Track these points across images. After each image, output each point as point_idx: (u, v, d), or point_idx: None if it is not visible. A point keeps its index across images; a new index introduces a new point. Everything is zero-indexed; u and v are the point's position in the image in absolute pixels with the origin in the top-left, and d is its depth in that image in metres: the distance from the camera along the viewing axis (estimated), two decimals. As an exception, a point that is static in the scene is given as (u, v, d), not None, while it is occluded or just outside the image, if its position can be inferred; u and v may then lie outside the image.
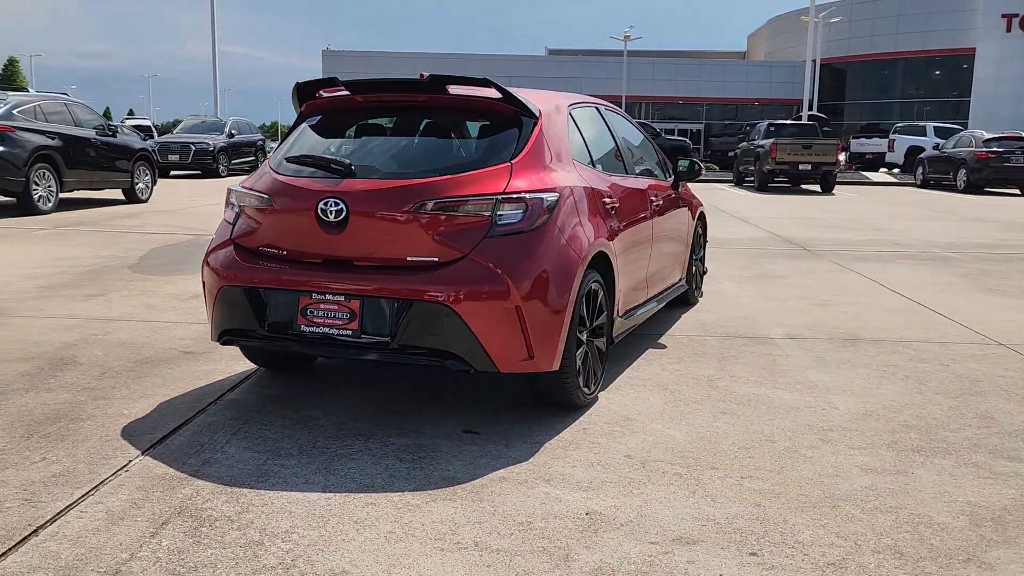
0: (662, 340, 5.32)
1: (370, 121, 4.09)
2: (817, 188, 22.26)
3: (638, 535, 2.76)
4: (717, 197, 18.51)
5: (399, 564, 2.57)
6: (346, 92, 4.02)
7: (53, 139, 12.36)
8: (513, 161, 3.72)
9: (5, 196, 12.16)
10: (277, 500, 3.00)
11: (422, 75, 3.81)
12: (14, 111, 11.95)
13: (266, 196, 3.78)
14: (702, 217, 6.52)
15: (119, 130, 14.21)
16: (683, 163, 5.76)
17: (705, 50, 75.92)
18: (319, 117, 4.15)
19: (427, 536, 2.75)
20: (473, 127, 3.97)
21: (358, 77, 4.06)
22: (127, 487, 3.10)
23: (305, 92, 4.09)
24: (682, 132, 55.40)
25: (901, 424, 3.85)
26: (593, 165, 4.39)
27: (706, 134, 49.12)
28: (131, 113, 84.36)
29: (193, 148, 22.83)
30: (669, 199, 5.55)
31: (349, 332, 3.57)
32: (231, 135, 24.30)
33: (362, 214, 3.56)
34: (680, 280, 5.96)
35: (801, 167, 21.17)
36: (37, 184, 12.01)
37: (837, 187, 22.52)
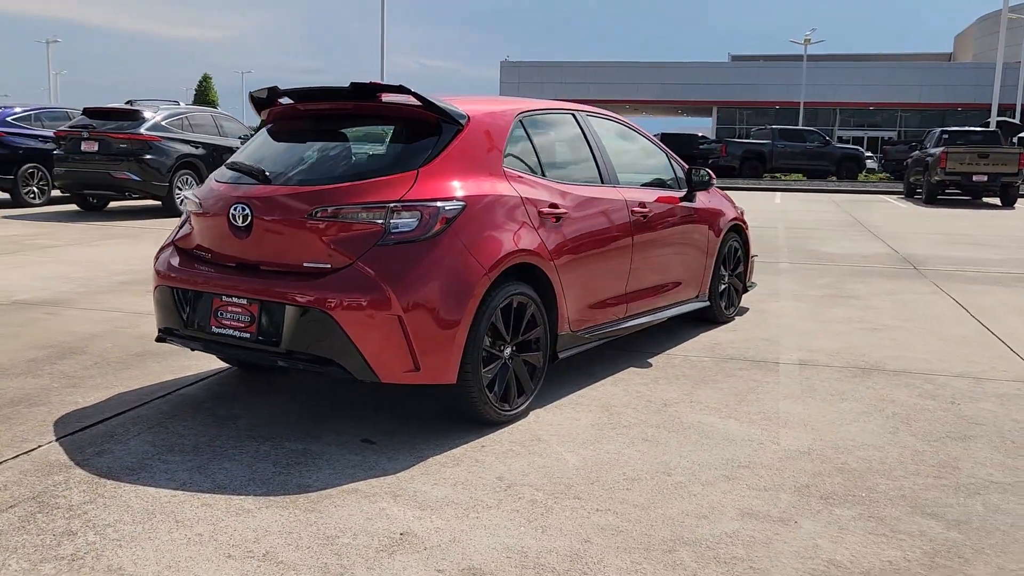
0: (654, 359, 5.03)
1: (304, 128, 4.15)
2: (997, 201, 20.23)
3: (432, 561, 2.63)
4: (873, 210, 17.26)
5: (176, 567, 2.59)
6: (290, 101, 4.10)
7: (197, 148, 13.43)
8: (421, 169, 3.65)
9: (153, 199, 13.36)
10: (127, 494, 3.11)
11: (351, 84, 3.84)
12: (163, 122, 13.10)
13: (198, 201, 3.94)
14: (737, 229, 6.11)
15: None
16: (697, 173, 5.42)
17: (904, 53, 71.02)
18: (271, 124, 4.27)
19: (228, 542, 2.75)
20: (394, 134, 3.94)
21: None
22: (14, 469, 3.31)
23: (260, 101, 4.21)
24: (872, 140, 52.15)
25: (836, 467, 3.43)
26: (542, 174, 4.22)
27: (882, 143, 45.93)
28: None
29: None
30: (676, 210, 5.25)
31: (248, 335, 3.64)
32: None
33: (264, 219, 3.63)
34: (696, 296, 5.62)
35: (975, 178, 19.30)
36: (180, 189, 13.09)
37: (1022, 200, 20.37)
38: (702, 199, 5.62)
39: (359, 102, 3.90)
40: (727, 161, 29.63)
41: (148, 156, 12.62)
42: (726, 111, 58.14)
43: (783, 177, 30.03)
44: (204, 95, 36.74)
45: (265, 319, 3.58)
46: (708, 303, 5.78)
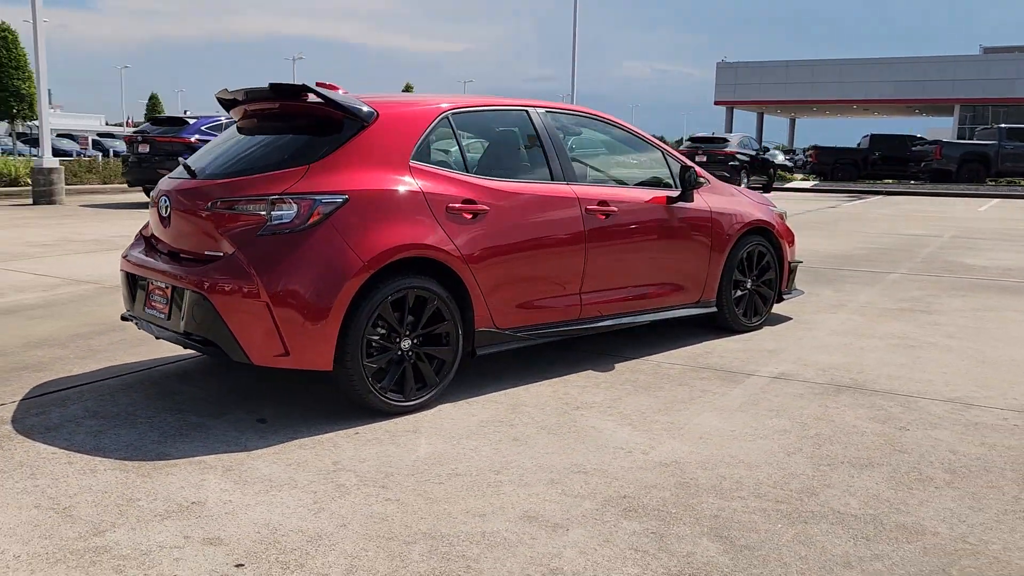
0: (623, 364, 4.88)
1: (247, 126, 4.44)
2: None
3: (189, 528, 2.81)
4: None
5: (-12, 510, 2.96)
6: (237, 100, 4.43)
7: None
8: (313, 164, 3.84)
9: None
10: (21, 448, 3.54)
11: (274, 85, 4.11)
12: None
13: (153, 194, 4.37)
14: (763, 233, 5.72)
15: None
16: (688, 172, 5.18)
17: None
18: (232, 123, 4.63)
19: (49, 495, 3.08)
20: (305, 131, 4.12)
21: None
22: (-39, 422, 3.88)
23: (225, 103, 4.58)
24: None
25: (680, 481, 3.22)
26: (465, 170, 4.26)
27: None
28: None
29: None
30: (660, 210, 5.05)
31: (163, 316, 4.00)
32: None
33: (176, 211, 3.98)
34: (697, 301, 5.35)
35: None
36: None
37: None
38: (706, 199, 5.34)
39: (283, 102, 4.15)
40: (941, 164, 27.10)
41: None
42: (972, 110, 52.93)
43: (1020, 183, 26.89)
44: None
45: (174, 303, 3.92)
46: (714, 309, 5.49)
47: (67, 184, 16.98)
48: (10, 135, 32.07)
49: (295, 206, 3.71)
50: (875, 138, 31.62)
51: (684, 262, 5.22)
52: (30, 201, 16.22)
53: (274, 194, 3.73)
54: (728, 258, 5.49)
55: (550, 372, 4.68)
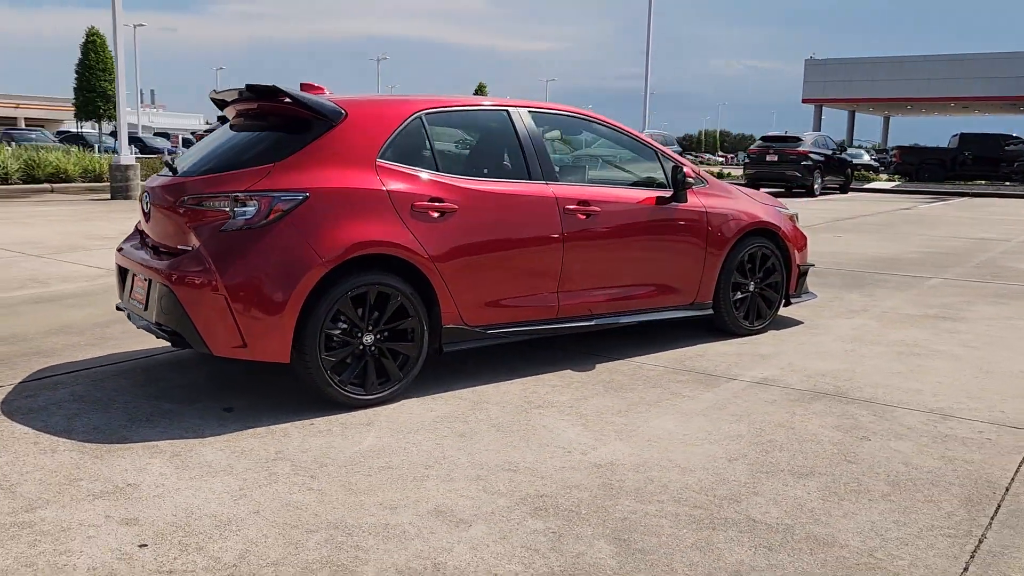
0: (604, 364, 4.85)
1: (234, 125, 4.56)
2: None
3: (112, 508, 2.95)
4: None
5: (-57, 484, 3.17)
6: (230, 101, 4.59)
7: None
8: (279, 162, 3.95)
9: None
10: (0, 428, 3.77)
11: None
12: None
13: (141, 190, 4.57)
14: (768, 235, 5.59)
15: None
16: (679, 172, 5.10)
17: None
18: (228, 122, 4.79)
19: (1, 474, 3.28)
20: (276, 129, 4.23)
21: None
22: (-44, 402, 4.14)
23: (218, 103, 4.75)
24: None
25: (605, 482, 3.20)
26: (436, 169, 4.30)
27: None
28: None
29: (601, 158, 24.50)
30: (648, 210, 4.99)
31: (142, 307, 4.19)
32: (642, 146, 25.40)
33: (155, 206, 4.16)
34: (691, 303, 5.28)
35: None
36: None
37: None
38: (701, 200, 5.26)
39: (260, 102, 4.28)
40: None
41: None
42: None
43: None
44: None
45: (151, 294, 4.10)
46: (710, 312, 5.39)
47: (143, 180, 17.75)
48: (111, 134, 33.72)
49: (256, 203, 3.83)
50: (965, 137, 30.26)
51: (675, 263, 5.14)
52: (108, 196, 17.04)
53: (237, 191, 3.85)
54: (726, 260, 5.38)
55: (526, 371, 4.70)
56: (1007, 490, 3.16)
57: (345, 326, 3.97)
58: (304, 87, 4.64)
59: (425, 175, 4.23)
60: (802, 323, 6.03)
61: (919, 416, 4.00)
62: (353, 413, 3.97)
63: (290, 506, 2.98)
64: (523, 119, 4.70)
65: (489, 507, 2.98)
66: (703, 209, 5.25)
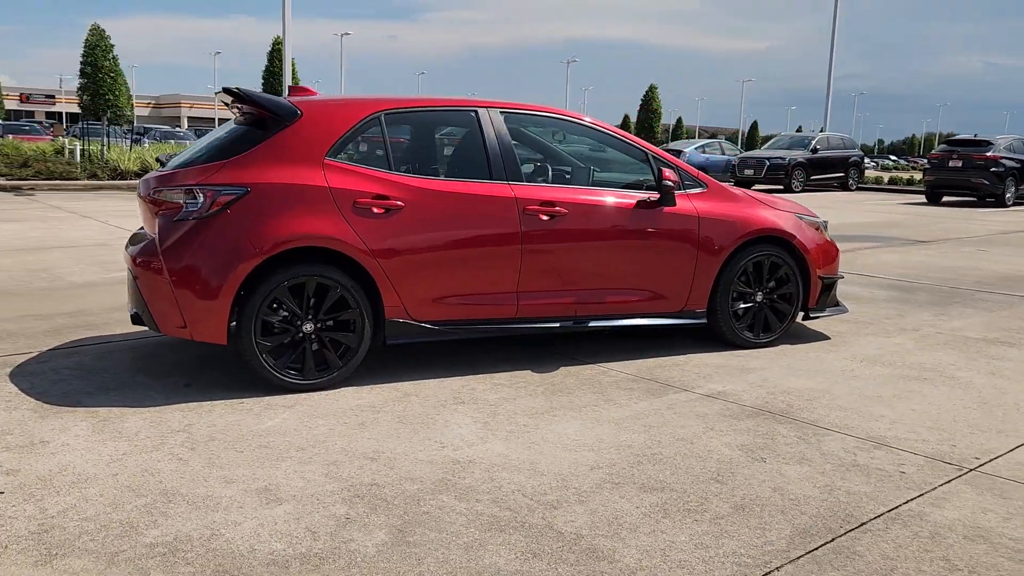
0: (570, 367, 4.82)
1: (228, 123, 4.95)
2: None
3: (8, 462, 3.37)
4: None
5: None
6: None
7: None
8: (232, 158, 4.28)
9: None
10: (-10, 386, 4.36)
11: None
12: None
13: None
14: (780, 243, 5.29)
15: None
16: (660, 176, 4.95)
17: None
18: None
19: (-39, 422, 3.81)
20: (243, 127, 4.55)
21: None
22: (-17, 362, 4.82)
23: (229, 103, 5.18)
24: None
25: (440, 478, 3.25)
26: (389, 168, 4.46)
27: None
28: (799, 129, 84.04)
29: (767, 163, 23.54)
30: (626, 213, 4.90)
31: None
32: (814, 151, 24.17)
33: (140, 199, 4.62)
34: (680, 310, 5.11)
35: None
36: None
37: None
38: (694, 203, 5.07)
39: (236, 102, 4.63)
40: None
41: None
42: None
43: None
44: (649, 104, 38.72)
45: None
46: (703, 321, 5.19)
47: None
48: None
49: (202, 196, 4.17)
50: None
51: (659, 269, 5.00)
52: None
53: (188, 184, 4.21)
54: (724, 267, 5.16)
55: (486, 368, 4.76)
56: (860, 527, 2.89)
57: (286, 314, 4.23)
58: (293, 90, 4.96)
59: (374, 173, 4.41)
60: (829, 338, 5.65)
61: (850, 442, 3.70)
62: (286, 396, 4.22)
63: (147, 472, 3.27)
64: (492, 120, 4.75)
65: (314, 490, 3.12)
66: (695, 212, 5.06)
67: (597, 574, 2.55)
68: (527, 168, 5.59)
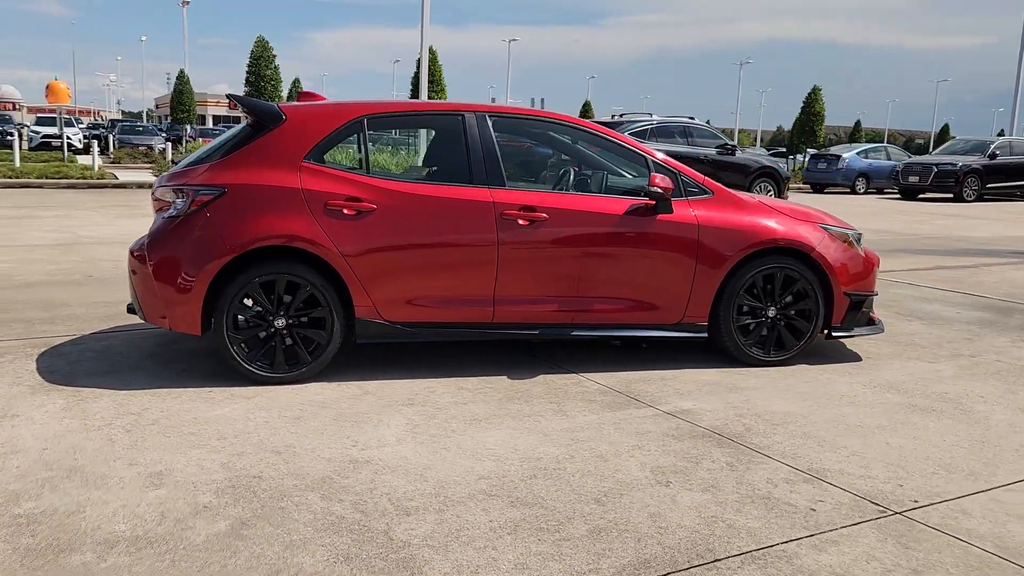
0: (549, 375, 4.72)
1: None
2: None
3: (-26, 430, 3.75)
4: None
5: (-81, 396, 4.24)
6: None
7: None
8: (217, 160, 4.53)
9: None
10: (27, 361, 4.83)
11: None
12: (626, 131, 14.51)
13: None
14: (795, 254, 4.93)
15: (739, 150, 15.47)
16: (652, 183, 4.74)
17: None
18: None
19: (-36, 394, 4.27)
20: (238, 131, 4.78)
21: None
22: (32, 342, 5.35)
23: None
24: None
25: (322, 478, 3.29)
26: (366, 171, 4.56)
27: None
28: (1001, 133, 74.88)
29: (935, 169, 21.82)
30: (615, 220, 4.73)
31: (137, 286, 5.02)
32: (992, 156, 22.16)
33: (151, 195, 4.97)
34: (677, 322, 4.88)
35: None
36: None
37: None
38: (694, 210, 4.83)
39: (239, 107, 4.88)
40: None
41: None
42: None
43: None
44: (811, 107, 36.41)
45: (134, 273, 4.91)
46: (704, 335, 4.93)
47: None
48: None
49: (185, 195, 4.43)
50: None
51: (651, 277, 4.79)
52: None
53: (176, 184, 4.49)
54: (728, 278, 4.87)
55: (462, 372, 4.75)
56: (710, 563, 2.68)
57: (260, 309, 4.42)
58: (302, 95, 5.17)
59: (349, 176, 4.52)
60: (860, 360, 5.22)
61: (781, 472, 3.41)
62: (254, 388, 4.41)
63: (73, 449, 3.52)
64: (477, 124, 4.73)
65: (199, 478, 3.25)
66: (694, 222, 4.82)
67: (390, 584, 2.51)
68: (550, 174, 5.54)
